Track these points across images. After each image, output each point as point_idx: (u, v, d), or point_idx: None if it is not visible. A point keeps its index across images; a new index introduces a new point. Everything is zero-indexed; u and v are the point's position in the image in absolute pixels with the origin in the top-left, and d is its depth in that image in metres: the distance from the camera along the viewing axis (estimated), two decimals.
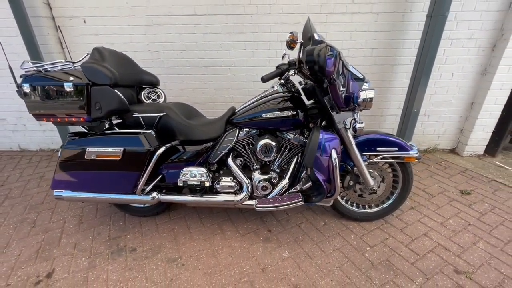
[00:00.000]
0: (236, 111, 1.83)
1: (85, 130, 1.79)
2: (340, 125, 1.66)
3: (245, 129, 1.78)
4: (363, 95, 1.53)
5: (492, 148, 2.99)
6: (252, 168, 1.83)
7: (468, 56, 2.69)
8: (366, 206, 2.01)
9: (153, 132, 1.63)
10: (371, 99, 1.53)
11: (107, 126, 1.88)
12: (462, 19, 2.55)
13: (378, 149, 1.79)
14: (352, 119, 1.66)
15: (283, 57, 1.96)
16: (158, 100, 2.11)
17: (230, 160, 1.78)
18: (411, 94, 2.60)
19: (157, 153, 1.62)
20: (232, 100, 2.96)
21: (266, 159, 1.74)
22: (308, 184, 1.63)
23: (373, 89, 1.54)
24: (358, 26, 2.61)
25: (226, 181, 1.81)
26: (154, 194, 1.78)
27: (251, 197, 1.81)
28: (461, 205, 2.22)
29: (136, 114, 1.68)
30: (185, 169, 1.74)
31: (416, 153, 1.76)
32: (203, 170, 1.74)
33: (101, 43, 2.69)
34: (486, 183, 2.53)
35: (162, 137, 1.72)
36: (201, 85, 2.91)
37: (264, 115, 1.66)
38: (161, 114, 1.66)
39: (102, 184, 1.66)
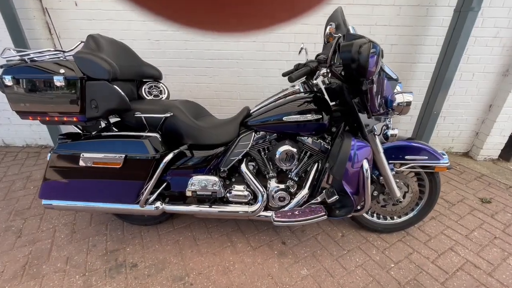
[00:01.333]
0: (251, 111, 1.63)
1: (79, 131, 1.56)
2: (368, 130, 1.48)
3: (261, 133, 1.59)
4: (399, 98, 1.34)
5: (507, 152, 2.89)
6: (267, 176, 1.64)
7: (491, 55, 2.53)
8: (388, 217, 1.87)
9: (158, 136, 1.42)
10: (408, 104, 1.35)
11: (103, 125, 1.65)
12: (489, 16, 2.38)
13: (406, 157, 1.64)
14: (384, 125, 1.48)
15: (300, 52, 1.77)
16: (161, 96, 1.89)
17: (244, 167, 1.59)
18: (432, 95, 2.44)
19: (164, 161, 1.41)
20: (239, 97, 2.75)
21: (285, 168, 1.55)
22: (334, 198, 1.46)
23: (411, 92, 1.36)
24: (379, 20, 2.41)
25: (239, 190, 1.62)
26: (158, 203, 1.58)
27: (266, 208, 1.63)
28: (484, 215, 2.10)
29: (138, 114, 1.46)
30: (194, 178, 1.53)
31: (447, 163, 1.61)
32: (215, 179, 1.54)
33: (95, 29, 2.42)
34: (505, 190, 2.42)
35: (168, 140, 1.51)
36: (205, 79, 2.68)
37: (285, 118, 1.47)
38: (168, 115, 1.45)
39: (99, 194, 1.45)
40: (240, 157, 1.58)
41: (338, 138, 1.47)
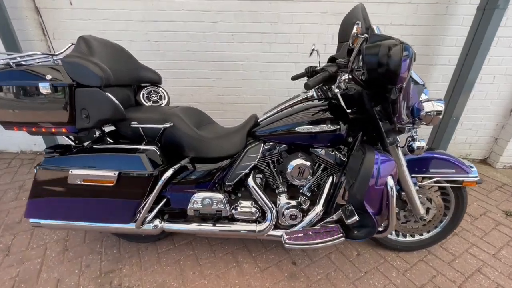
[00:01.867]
0: (259, 120, 1.48)
1: (70, 142, 1.41)
2: (390, 141, 1.32)
3: (270, 144, 1.43)
4: (428, 106, 1.18)
5: None
6: (277, 191, 1.49)
7: None
8: (408, 234, 1.71)
9: (157, 149, 1.27)
10: (439, 113, 1.18)
11: (97, 134, 1.51)
12: None
13: (431, 170, 1.48)
14: (409, 136, 1.32)
15: (311, 53, 1.62)
16: (160, 102, 1.75)
17: (251, 181, 1.43)
18: (451, 99, 2.27)
19: (163, 178, 1.26)
20: (243, 101, 2.59)
21: (297, 183, 1.40)
22: (353, 219, 1.30)
23: (441, 100, 1.20)
24: (395, 19, 2.24)
25: (246, 207, 1.47)
26: (157, 222, 1.43)
27: (275, 225, 1.48)
28: (510, 230, 1.93)
29: (134, 124, 1.31)
30: (196, 195, 1.38)
31: (477, 177, 1.45)
32: (219, 196, 1.39)
33: (91, 30, 2.27)
34: None
35: (167, 153, 1.36)
36: (208, 83, 2.53)
37: (298, 129, 1.32)
38: (167, 125, 1.30)
39: (91, 214, 1.30)
40: (247, 171, 1.43)
41: (357, 150, 1.31)
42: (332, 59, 1.65)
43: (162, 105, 1.74)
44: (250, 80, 2.51)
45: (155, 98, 1.74)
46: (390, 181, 1.22)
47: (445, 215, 1.64)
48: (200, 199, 1.37)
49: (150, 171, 1.21)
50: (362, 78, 1.18)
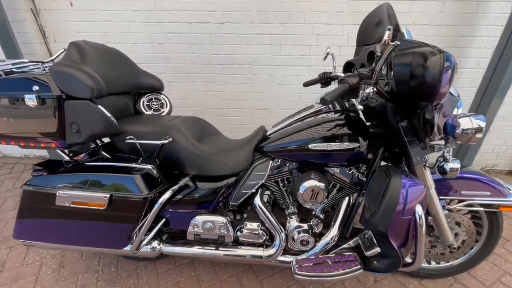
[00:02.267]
0: (267, 134, 1.33)
1: (64, 156, 1.31)
2: (418, 161, 1.15)
3: (280, 161, 1.29)
4: (465, 123, 1.00)
5: None
6: (286, 212, 1.34)
7: None
8: (433, 261, 1.53)
9: (153, 168, 1.14)
10: (478, 131, 1.00)
11: (93, 146, 1.40)
12: None
13: (462, 192, 1.30)
14: (440, 156, 1.15)
15: (325, 57, 1.47)
16: (162, 110, 1.63)
17: (258, 201, 1.29)
18: (480, 105, 2.06)
19: (159, 201, 1.13)
20: (251, 106, 2.45)
21: (310, 207, 1.25)
22: (374, 251, 1.13)
23: (482, 116, 1.02)
24: (418, 18, 2.04)
25: (252, 229, 1.33)
26: (155, 243, 1.31)
27: (284, 249, 1.34)
28: None
29: (130, 140, 1.19)
30: (197, 218, 1.25)
31: None
32: (222, 220, 1.26)
33: (92, 32, 2.18)
34: None
35: (166, 170, 1.23)
36: (214, 87, 2.39)
37: (311, 146, 1.16)
38: (165, 141, 1.16)
39: (82, 237, 1.19)
40: (253, 190, 1.29)
41: (380, 172, 1.15)
42: (348, 65, 1.50)
43: (164, 113, 1.62)
44: (258, 85, 2.36)
45: (156, 106, 1.62)
46: (419, 210, 1.05)
47: (476, 241, 1.45)
48: (200, 222, 1.24)
49: (144, 195, 1.08)
50: (387, 89, 1.02)
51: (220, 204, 1.32)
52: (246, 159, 1.28)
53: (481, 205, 1.32)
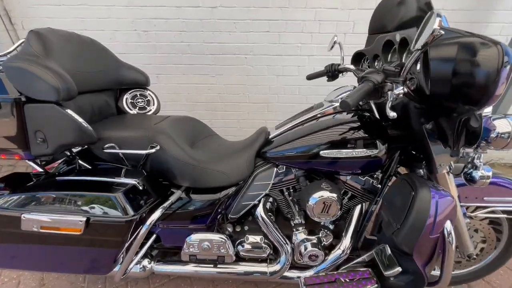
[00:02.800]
0: (270, 137, 1.17)
1: (36, 166, 1.11)
2: (442, 167, 1.01)
3: (285, 167, 1.13)
4: (502, 126, 0.87)
5: None
6: (292, 222, 1.20)
7: None
8: None
9: (139, 183, 0.96)
10: None
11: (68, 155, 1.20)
12: None
13: (485, 198, 1.18)
14: (469, 163, 1.01)
15: (332, 47, 1.30)
16: (148, 108, 1.43)
17: (261, 212, 1.14)
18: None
19: (148, 222, 0.97)
20: (248, 100, 2.26)
21: (319, 220, 1.10)
22: (395, 271, 1.01)
23: None
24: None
25: (254, 243, 1.18)
26: (145, 262, 1.16)
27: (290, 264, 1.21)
28: None
29: (110, 149, 1.00)
30: (192, 237, 1.09)
31: None
32: (221, 238, 1.10)
33: (66, 17, 1.92)
34: None
35: (155, 181, 1.06)
36: (206, 79, 2.18)
37: (323, 153, 1.01)
38: (151, 150, 0.98)
39: (59, 263, 1.02)
40: (256, 201, 1.14)
41: (402, 182, 1.00)
42: (358, 56, 1.33)
43: (151, 112, 1.42)
44: (255, 77, 2.16)
45: (142, 104, 1.42)
46: (448, 226, 0.92)
47: (495, 248, 1.36)
48: (197, 242, 1.09)
49: (129, 217, 0.91)
50: (413, 88, 0.86)
51: (218, 217, 1.17)
52: (247, 166, 1.11)
53: (504, 211, 1.21)
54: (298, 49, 2.05)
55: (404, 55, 0.97)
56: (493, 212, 1.21)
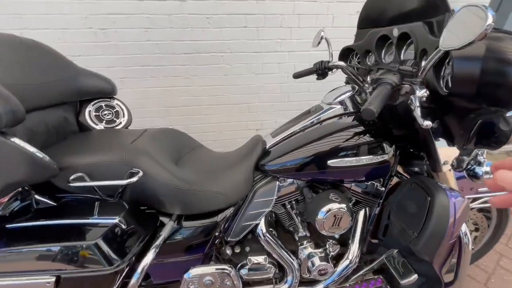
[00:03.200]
0: (267, 147, 1.05)
1: None
2: (445, 165, 0.99)
3: (287, 180, 1.03)
4: None
5: None
6: (296, 236, 1.11)
7: None
8: None
9: (122, 222, 0.77)
10: None
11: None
12: None
13: (479, 190, 1.20)
14: (472, 159, 1.00)
15: (319, 42, 1.23)
16: (118, 121, 1.23)
17: (263, 230, 1.04)
18: None
19: (139, 270, 0.79)
20: (227, 101, 2.10)
21: (328, 234, 1.02)
22: (413, 278, 0.97)
23: None
24: None
25: (257, 264, 1.07)
26: None
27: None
28: None
29: (77, 181, 0.80)
30: (191, 273, 0.94)
31: None
32: (225, 269, 0.96)
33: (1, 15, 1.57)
34: None
35: (139, 214, 0.88)
36: (180, 81, 1.97)
37: (331, 163, 0.92)
38: (132, 179, 0.80)
39: None
40: (258, 221, 1.02)
41: (412, 185, 0.96)
42: (346, 51, 1.27)
43: (121, 125, 1.21)
44: (234, 76, 2.01)
45: (110, 117, 1.21)
46: (464, 227, 0.90)
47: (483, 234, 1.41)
48: (197, 278, 0.94)
49: (113, 268, 0.73)
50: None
51: (216, 242, 1.03)
52: (245, 183, 0.98)
53: None
54: (277, 45, 1.93)
55: (403, 51, 0.92)
56: (485, 202, 1.24)
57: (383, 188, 1.08)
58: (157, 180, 0.85)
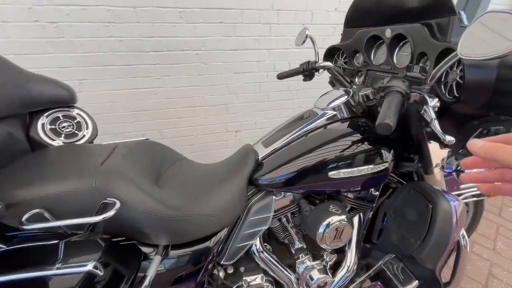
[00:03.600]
0: (260, 159, 0.96)
1: None
2: (436, 167, 1.00)
3: (284, 194, 0.95)
4: None
5: None
6: (292, 249, 1.05)
7: None
8: None
9: (98, 268, 0.62)
10: None
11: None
12: None
13: (461, 186, 1.25)
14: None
15: (303, 41, 1.18)
16: (80, 133, 1.05)
17: (259, 248, 0.96)
18: None
19: None
20: (204, 103, 1.95)
21: (328, 248, 0.97)
22: (414, 284, 0.96)
23: None
24: None
25: (254, 285, 0.99)
26: None
27: None
28: (494, 216, 1.97)
29: (34, 220, 0.63)
30: None
31: None
32: None
33: None
34: None
35: (118, 252, 0.74)
36: (150, 82, 1.78)
37: (332, 174, 0.86)
38: (108, 214, 0.65)
39: None
40: (253, 241, 0.93)
41: (411, 192, 0.94)
42: (331, 50, 1.23)
43: (85, 139, 1.03)
44: (210, 75, 1.86)
45: (70, 129, 1.02)
46: (462, 231, 0.91)
47: None
48: None
49: None
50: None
51: (210, 267, 0.93)
52: (239, 201, 0.89)
53: (474, 195, 1.31)
54: (256, 42, 1.83)
55: (397, 53, 0.90)
56: (466, 198, 1.30)
57: (377, 193, 1.06)
58: (138, 209, 0.72)
